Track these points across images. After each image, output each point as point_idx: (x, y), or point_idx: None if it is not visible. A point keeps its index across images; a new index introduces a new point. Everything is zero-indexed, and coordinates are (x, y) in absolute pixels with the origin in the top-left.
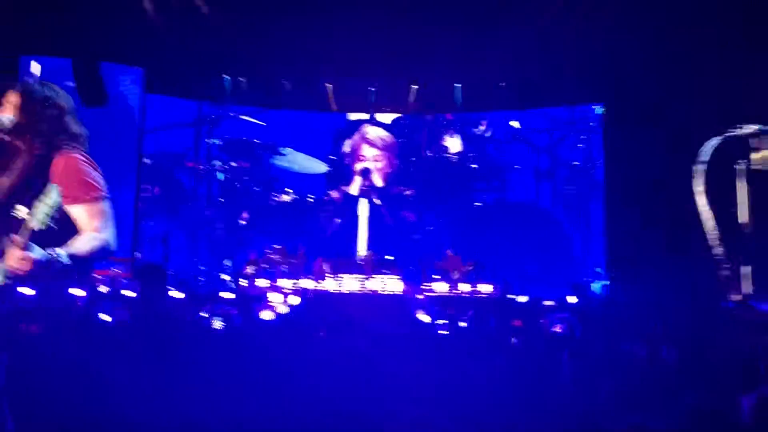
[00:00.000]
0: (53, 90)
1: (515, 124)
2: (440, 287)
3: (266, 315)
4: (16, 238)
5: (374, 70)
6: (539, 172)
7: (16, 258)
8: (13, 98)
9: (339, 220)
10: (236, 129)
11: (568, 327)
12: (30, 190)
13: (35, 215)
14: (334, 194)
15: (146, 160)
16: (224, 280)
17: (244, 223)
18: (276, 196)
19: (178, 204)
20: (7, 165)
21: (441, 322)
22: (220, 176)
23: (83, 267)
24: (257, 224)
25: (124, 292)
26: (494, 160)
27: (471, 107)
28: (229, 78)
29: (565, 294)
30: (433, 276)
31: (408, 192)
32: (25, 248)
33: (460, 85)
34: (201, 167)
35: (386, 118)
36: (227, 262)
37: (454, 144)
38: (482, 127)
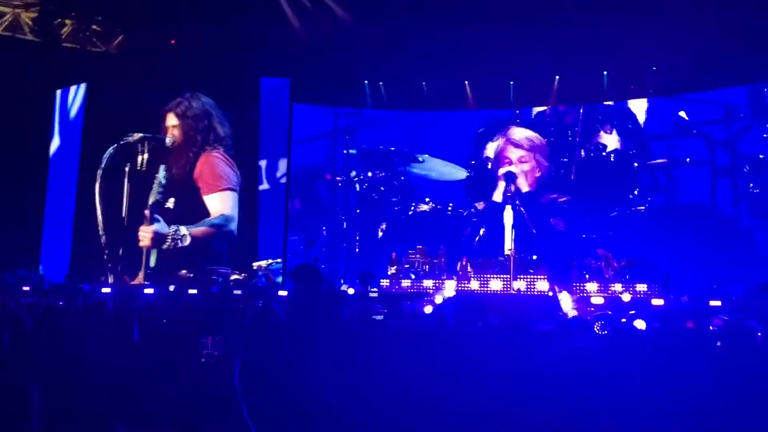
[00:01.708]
0: (200, 100)
1: (683, 114)
2: (591, 287)
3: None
4: (145, 212)
5: (513, 64)
6: (716, 169)
7: (143, 231)
8: (172, 120)
9: (483, 231)
10: (373, 138)
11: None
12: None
13: (152, 192)
14: (478, 204)
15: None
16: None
17: (381, 234)
18: (414, 206)
19: (317, 217)
20: (171, 169)
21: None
22: (357, 187)
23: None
24: (395, 235)
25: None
26: (660, 157)
27: (621, 95)
28: (367, 82)
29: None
30: (585, 274)
31: (562, 199)
32: (151, 221)
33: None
34: (339, 179)
35: (532, 114)
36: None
37: (611, 141)
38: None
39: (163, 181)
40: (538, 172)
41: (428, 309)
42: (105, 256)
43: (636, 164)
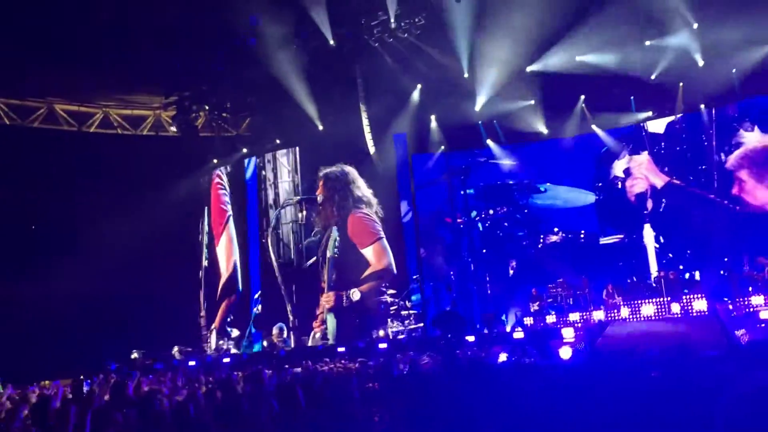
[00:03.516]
0: (341, 169)
1: None
2: (757, 300)
3: (565, 352)
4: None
5: (630, 78)
6: None
7: (325, 297)
8: (320, 182)
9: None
10: (488, 174)
11: None
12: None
13: (329, 249)
14: (610, 226)
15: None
16: (506, 322)
17: (512, 271)
18: (543, 238)
19: (445, 262)
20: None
21: None
22: (480, 227)
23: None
24: (527, 271)
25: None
26: None
27: (755, 91)
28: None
29: None
30: (749, 288)
31: (717, 201)
32: (329, 288)
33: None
34: (460, 220)
35: (658, 126)
36: (504, 317)
37: (752, 138)
38: None
39: (337, 238)
40: (663, 181)
41: (566, 353)
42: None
43: None
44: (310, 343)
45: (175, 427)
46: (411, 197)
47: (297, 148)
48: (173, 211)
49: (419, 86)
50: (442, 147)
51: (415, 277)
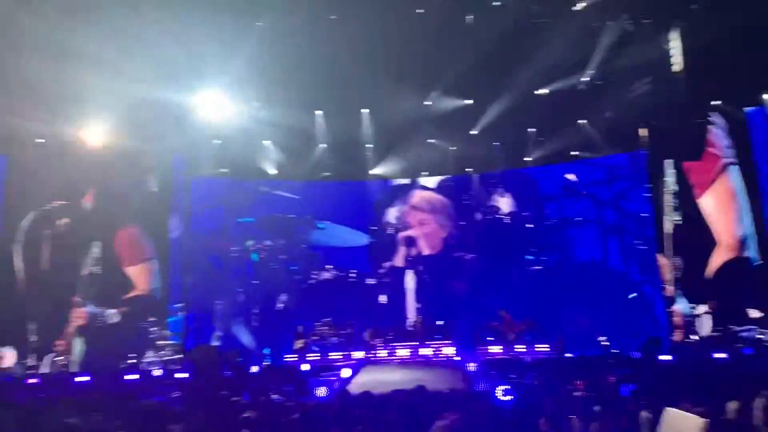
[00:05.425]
0: None
1: (571, 177)
2: (496, 349)
3: (321, 391)
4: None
5: (414, 134)
6: (605, 227)
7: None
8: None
9: (385, 298)
10: (270, 205)
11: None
12: None
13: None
14: (380, 269)
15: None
16: (269, 357)
17: (282, 306)
18: (316, 274)
19: (212, 291)
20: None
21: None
22: (255, 257)
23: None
24: (298, 306)
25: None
26: (551, 218)
27: (514, 164)
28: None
29: (634, 350)
30: (488, 338)
31: (468, 257)
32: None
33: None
34: (234, 249)
35: (430, 181)
36: (266, 351)
37: (504, 203)
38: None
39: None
40: (443, 233)
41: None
42: None
43: (530, 225)
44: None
45: None
46: (183, 218)
47: None
48: None
49: None
50: (225, 171)
51: (178, 305)
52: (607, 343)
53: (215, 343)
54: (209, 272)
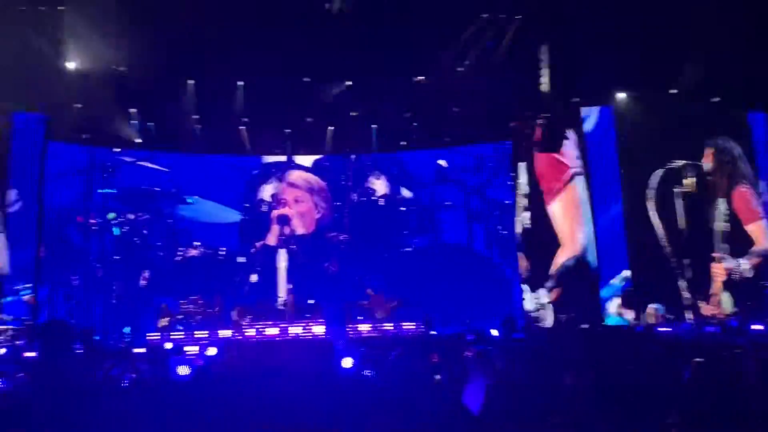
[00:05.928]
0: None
1: (443, 163)
2: (365, 327)
3: (183, 370)
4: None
5: (289, 112)
6: (471, 213)
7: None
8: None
9: (255, 277)
10: (134, 176)
11: (488, 359)
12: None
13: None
14: (251, 247)
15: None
16: (129, 336)
17: (144, 283)
18: (182, 251)
19: (68, 265)
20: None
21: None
22: (116, 231)
23: None
24: (162, 284)
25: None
26: (423, 202)
27: (390, 147)
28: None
29: (492, 328)
30: (358, 317)
31: (342, 237)
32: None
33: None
34: (93, 221)
35: (306, 160)
36: (126, 330)
37: (380, 186)
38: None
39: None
40: (317, 213)
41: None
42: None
43: (403, 208)
44: None
45: None
46: (34, 187)
47: None
48: None
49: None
50: (86, 138)
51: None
52: (468, 321)
53: (69, 320)
54: (65, 246)
